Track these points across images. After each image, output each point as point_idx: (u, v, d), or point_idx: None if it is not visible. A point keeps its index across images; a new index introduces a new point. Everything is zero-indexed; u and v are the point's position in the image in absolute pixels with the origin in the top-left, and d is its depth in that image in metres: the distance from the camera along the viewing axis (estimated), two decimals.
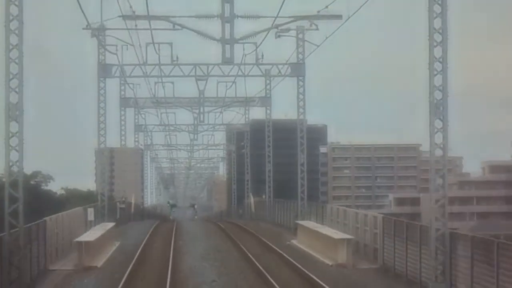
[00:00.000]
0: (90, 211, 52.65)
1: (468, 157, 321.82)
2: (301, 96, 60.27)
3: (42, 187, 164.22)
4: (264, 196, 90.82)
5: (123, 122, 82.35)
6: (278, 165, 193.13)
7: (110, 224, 50.46)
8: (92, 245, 39.32)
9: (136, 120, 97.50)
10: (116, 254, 44.53)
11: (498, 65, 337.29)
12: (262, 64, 56.66)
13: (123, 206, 74.28)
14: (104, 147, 61.45)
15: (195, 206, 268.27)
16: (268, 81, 75.61)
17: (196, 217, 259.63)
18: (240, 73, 57.08)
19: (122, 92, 79.00)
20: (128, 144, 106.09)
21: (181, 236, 57.57)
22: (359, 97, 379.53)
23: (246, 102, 77.76)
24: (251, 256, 40.42)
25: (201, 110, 76.76)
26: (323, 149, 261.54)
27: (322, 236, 42.31)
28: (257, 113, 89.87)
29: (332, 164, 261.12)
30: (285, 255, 41.10)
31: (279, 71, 59.14)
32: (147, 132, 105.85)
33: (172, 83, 70.16)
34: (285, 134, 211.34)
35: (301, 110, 61.03)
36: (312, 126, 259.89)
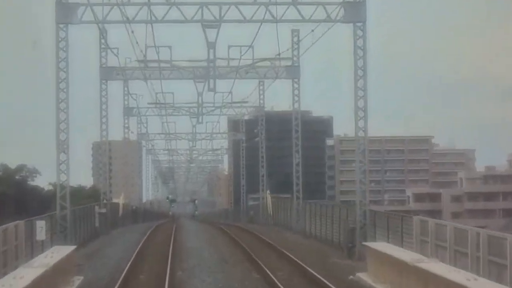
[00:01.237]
0: (40, 226, 32.89)
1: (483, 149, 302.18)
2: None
3: (29, 182, 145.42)
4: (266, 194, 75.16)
5: (105, 106, 61.45)
6: (282, 158, 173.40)
7: (67, 249, 30.12)
8: None
9: (126, 102, 77.85)
10: None
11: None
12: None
13: (103, 210, 54.78)
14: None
15: (196, 202, 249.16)
16: (295, 41, 56.11)
17: (196, 212, 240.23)
18: (268, 15, 38.70)
19: (103, 59, 58.46)
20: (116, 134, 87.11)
21: (181, 260, 37.66)
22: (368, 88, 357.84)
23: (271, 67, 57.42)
24: None
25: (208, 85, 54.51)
26: (330, 142, 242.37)
27: (434, 278, 22.64)
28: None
29: (339, 157, 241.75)
30: None
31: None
32: (140, 117, 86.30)
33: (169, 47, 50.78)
34: (288, 126, 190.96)
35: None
36: (318, 118, 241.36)
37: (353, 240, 37.58)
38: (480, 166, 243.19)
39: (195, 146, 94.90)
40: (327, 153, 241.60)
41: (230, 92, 67.96)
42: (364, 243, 31.70)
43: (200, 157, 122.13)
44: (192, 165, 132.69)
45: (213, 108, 71.65)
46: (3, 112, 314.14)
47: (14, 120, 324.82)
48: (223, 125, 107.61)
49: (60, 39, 39.07)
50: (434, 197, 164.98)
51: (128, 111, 77.99)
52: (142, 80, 57.01)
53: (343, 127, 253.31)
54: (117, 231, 59.17)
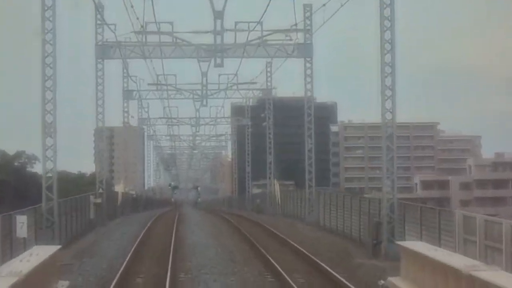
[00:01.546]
0: (21, 221, 28.21)
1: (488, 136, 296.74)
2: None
3: (28, 169, 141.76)
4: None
5: (101, 87, 56.53)
6: (285, 145, 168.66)
7: (49, 250, 25.23)
8: None
9: (125, 84, 73.13)
10: None
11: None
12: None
13: (98, 201, 50.16)
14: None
15: (198, 189, 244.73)
16: (307, 14, 50.96)
17: (199, 199, 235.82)
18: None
19: (100, 36, 53.19)
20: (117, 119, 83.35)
21: (183, 258, 32.96)
22: (370, 73, 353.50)
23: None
24: None
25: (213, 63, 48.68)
26: (334, 128, 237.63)
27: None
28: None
29: (344, 144, 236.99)
30: None
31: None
32: (140, 100, 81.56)
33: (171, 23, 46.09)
34: (292, 112, 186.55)
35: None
36: (322, 104, 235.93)
37: (378, 236, 32.90)
38: (486, 153, 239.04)
39: (198, 132, 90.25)
40: (331, 140, 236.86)
41: (236, 74, 64.86)
42: (398, 242, 26.86)
43: (203, 143, 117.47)
44: (195, 151, 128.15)
45: (218, 91, 66.38)
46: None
47: (12, 105, 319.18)
48: (227, 112, 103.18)
49: (46, 8, 34.59)
50: (442, 185, 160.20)
51: (127, 94, 73.26)
52: (142, 58, 50.14)
53: (347, 113, 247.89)
54: (114, 223, 54.58)
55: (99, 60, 54.71)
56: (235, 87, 69.36)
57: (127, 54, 51.63)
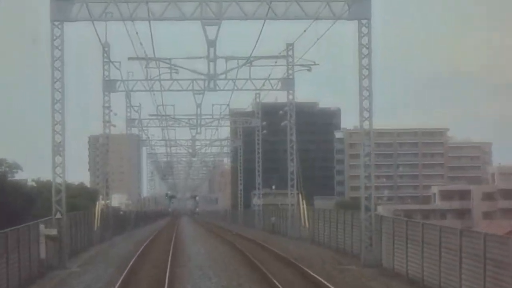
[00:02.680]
0: None
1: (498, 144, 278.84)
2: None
3: (9, 178, 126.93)
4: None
5: None
6: (284, 153, 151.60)
7: None
8: None
9: (106, 73, 55.78)
10: None
11: None
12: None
13: (53, 232, 32.81)
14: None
15: (197, 198, 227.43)
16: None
17: (197, 209, 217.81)
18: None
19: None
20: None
21: None
22: (376, 78, 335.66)
23: None
24: None
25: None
26: (339, 135, 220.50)
27: None
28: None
29: (349, 151, 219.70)
30: None
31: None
32: (129, 95, 64.44)
33: None
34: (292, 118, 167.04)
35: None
36: (325, 110, 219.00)
37: None
38: (497, 160, 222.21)
39: (199, 132, 72.79)
40: (336, 147, 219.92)
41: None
42: None
43: (204, 150, 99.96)
44: (194, 158, 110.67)
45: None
46: None
47: None
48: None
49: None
50: (463, 195, 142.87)
51: (109, 86, 55.91)
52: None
53: (351, 119, 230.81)
54: (78, 264, 36.66)
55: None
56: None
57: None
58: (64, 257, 34.02)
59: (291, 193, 57.45)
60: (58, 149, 35.80)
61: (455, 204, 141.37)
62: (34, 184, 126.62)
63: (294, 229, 55.50)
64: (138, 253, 39.22)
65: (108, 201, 58.22)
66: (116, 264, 35.61)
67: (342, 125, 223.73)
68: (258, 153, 76.30)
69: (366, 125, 37.14)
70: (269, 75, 55.09)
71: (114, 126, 61.90)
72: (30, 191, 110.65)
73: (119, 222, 68.03)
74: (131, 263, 34.56)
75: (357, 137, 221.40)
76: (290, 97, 57.66)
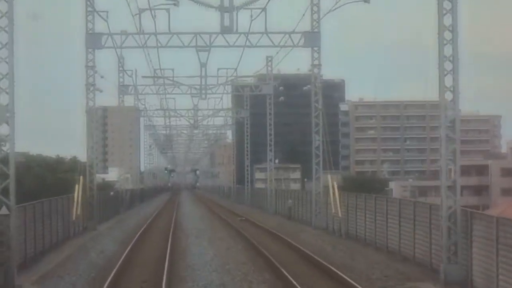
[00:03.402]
0: None
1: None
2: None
3: None
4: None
5: None
6: (287, 126, 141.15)
7: None
8: None
9: (90, 25, 44.29)
10: None
11: None
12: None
13: None
14: None
15: (197, 172, 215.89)
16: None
17: (198, 184, 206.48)
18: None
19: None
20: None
21: None
22: (381, 49, 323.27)
23: None
24: None
25: None
26: (343, 107, 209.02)
27: None
28: None
29: (354, 124, 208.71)
30: None
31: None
32: (120, 58, 53.28)
33: None
34: (296, 90, 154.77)
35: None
36: (328, 81, 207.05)
37: None
38: (506, 135, 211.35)
39: (204, 98, 60.70)
40: (341, 120, 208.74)
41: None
42: None
43: (206, 122, 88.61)
44: (196, 131, 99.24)
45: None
46: None
47: None
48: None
49: None
50: (480, 170, 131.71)
51: (93, 40, 44.43)
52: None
53: (354, 92, 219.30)
54: (30, 279, 25.38)
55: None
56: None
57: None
58: (10, 274, 22.66)
59: (317, 174, 46.03)
60: (3, 114, 24.42)
61: (473, 180, 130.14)
62: (23, 159, 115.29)
63: (320, 218, 44.23)
64: (118, 266, 27.44)
65: (92, 179, 46.60)
66: (83, 277, 24.37)
67: (346, 98, 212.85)
68: (270, 124, 65.02)
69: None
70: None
71: (101, 91, 50.46)
72: (18, 167, 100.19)
73: (109, 205, 56.84)
74: (109, 277, 23.30)
75: (363, 110, 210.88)
76: (316, 55, 45.60)
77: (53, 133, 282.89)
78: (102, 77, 50.53)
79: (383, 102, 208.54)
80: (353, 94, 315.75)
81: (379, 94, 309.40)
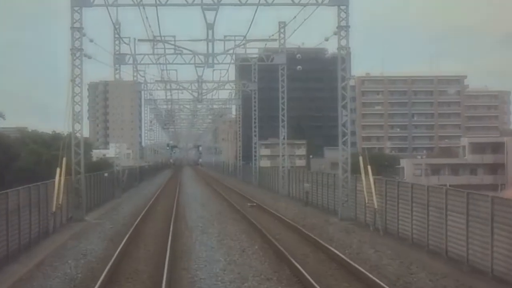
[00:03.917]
0: None
1: None
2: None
3: None
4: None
5: None
6: (291, 101, 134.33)
7: None
8: None
9: None
10: None
11: None
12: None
13: None
14: None
15: (200, 148, 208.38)
16: None
17: (200, 160, 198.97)
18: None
19: None
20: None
21: None
22: (389, 23, 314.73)
23: None
24: None
25: None
26: (350, 82, 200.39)
27: None
28: None
29: (361, 99, 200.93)
30: None
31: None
32: (114, 17, 46.03)
33: None
34: (300, 64, 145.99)
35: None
36: (334, 56, 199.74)
37: None
38: None
39: (211, 64, 52.52)
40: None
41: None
42: None
43: (211, 95, 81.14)
44: (199, 106, 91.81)
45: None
46: None
47: None
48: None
49: None
50: (496, 148, 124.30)
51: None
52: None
53: (359, 66, 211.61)
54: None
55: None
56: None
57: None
58: None
59: (344, 154, 38.71)
60: None
61: (488, 158, 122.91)
62: (17, 134, 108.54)
63: (348, 208, 36.96)
64: (100, 282, 20.35)
65: (79, 160, 39.35)
66: None
67: (352, 72, 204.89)
68: (283, 98, 57.69)
69: None
70: None
71: (89, 57, 42.88)
72: (13, 143, 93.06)
73: (102, 188, 49.64)
74: None
75: (369, 85, 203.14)
76: (343, 14, 38.50)
77: (47, 107, 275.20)
78: (91, 41, 42.97)
79: (390, 77, 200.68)
80: (357, 70, 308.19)
81: (386, 68, 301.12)
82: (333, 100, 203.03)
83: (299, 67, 64.17)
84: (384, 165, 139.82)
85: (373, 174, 32.89)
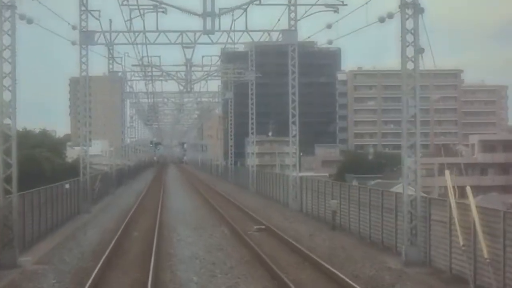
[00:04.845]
0: None
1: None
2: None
3: None
4: None
5: None
6: (279, 96, 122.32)
7: None
8: None
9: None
10: None
11: None
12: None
13: None
14: None
15: (185, 145, 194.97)
16: None
17: (185, 157, 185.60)
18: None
19: None
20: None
21: None
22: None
23: None
24: None
25: None
26: (341, 76, 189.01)
27: None
28: None
29: (353, 94, 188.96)
30: None
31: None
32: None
33: None
34: (283, 59, 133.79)
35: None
36: (323, 50, 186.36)
37: None
38: None
39: (212, 31, 39.26)
40: (338, 90, 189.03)
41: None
42: None
43: (199, 87, 68.14)
44: (186, 99, 78.80)
45: None
46: None
47: None
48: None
49: None
50: (506, 146, 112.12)
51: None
52: None
53: (351, 61, 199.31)
54: None
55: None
56: None
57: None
58: None
59: (414, 162, 25.90)
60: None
61: (499, 157, 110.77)
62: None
63: (417, 247, 23.99)
64: None
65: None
66: None
67: (342, 67, 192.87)
68: (293, 87, 44.67)
69: None
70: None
71: (30, 22, 29.95)
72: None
73: (57, 207, 36.44)
74: None
75: (362, 79, 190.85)
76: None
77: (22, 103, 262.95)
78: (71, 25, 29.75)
79: (384, 71, 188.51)
80: (350, 62, 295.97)
81: (381, 62, 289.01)
82: (323, 95, 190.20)
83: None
84: (382, 164, 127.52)
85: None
